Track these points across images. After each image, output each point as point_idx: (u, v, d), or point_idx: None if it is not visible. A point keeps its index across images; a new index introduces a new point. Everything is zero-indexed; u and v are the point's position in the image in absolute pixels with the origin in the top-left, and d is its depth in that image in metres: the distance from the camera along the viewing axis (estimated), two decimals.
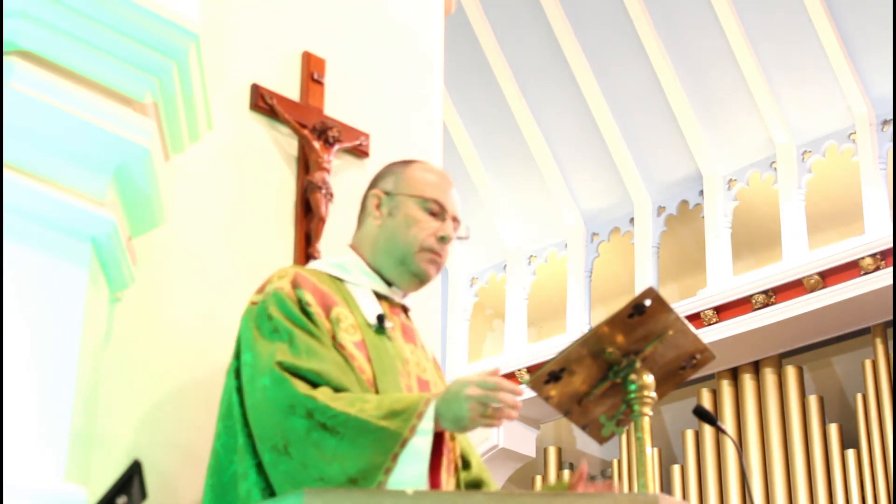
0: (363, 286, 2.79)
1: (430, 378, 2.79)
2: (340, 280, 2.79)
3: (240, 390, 2.61)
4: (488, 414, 2.42)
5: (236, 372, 2.65)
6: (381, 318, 2.73)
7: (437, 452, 2.50)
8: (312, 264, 2.86)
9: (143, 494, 1.74)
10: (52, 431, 2.29)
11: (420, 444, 2.42)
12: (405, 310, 2.88)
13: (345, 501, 2.20)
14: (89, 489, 2.38)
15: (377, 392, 2.60)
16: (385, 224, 2.81)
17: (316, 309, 2.65)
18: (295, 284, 2.68)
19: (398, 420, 2.42)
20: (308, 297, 2.66)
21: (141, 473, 1.73)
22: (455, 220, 2.85)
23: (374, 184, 2.91)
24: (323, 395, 2.48)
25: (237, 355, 2.67)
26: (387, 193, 2.84)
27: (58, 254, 2.40)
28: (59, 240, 2.41)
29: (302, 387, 2.49)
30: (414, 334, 2.86)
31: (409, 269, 2.79)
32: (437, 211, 2.81)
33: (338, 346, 2.62)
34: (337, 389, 2.52)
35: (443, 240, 2.79)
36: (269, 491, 2.52)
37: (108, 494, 1.73)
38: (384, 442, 2.41)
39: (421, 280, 2.82)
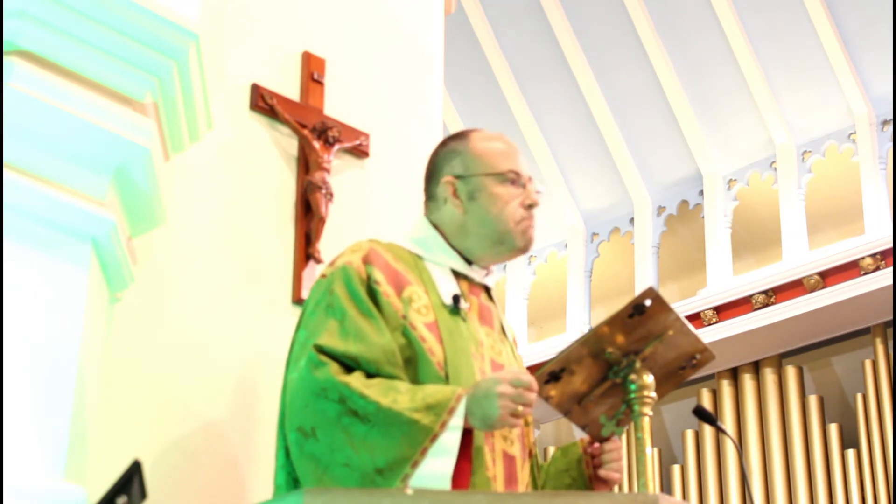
0: (442, 265, 2.72)
1: (506, 361, 2.70)
2: (420, 257, 2.72)
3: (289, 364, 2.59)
4: (518, 412, 2.41)
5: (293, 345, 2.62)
6: (456, 299, 2.65)
7: (465, 448, 2.45)
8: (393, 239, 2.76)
9: (143, 494, 1.73)
10: (52, 431, 2.29)
11: (449, 440, 2.40)
12: (487, 290, 2.80)
13: (345, 501, 2.20)
14: (89, 489, 2.39)
15: (447, 375, 2.54)
16: (469, 209, 2.72)
17: (385, 288, 2.59)
18: (367, 260, 2.62)
19: (431, 414, 2.40)
20: (378, 276, 2.60)
21: (141, 473, 1.73)
22: (530, 180, 2.79)
23: (439, 170, 2.79)
24: (357, 381, 2.44)
25: (298, 327, 2.63)
26: (459, 177, 2.74)
27: (58, 254, 2.40)
28: (59, 240, 2.41)
29: (337, 371, 2.45)
30: (491, 316, 2.76)
31: (510, 246, 2.72)
32: (515, 179, 2.74)
33: (409, 325, 2.56)
34: (371, 375, 2.47)
35: (531, 206, 2.73)
36: (295, 476, 2.49)
37: (108, 494, 1.72)
38: (415, 435, 2.39)
39: (524, 251, 2.75)
